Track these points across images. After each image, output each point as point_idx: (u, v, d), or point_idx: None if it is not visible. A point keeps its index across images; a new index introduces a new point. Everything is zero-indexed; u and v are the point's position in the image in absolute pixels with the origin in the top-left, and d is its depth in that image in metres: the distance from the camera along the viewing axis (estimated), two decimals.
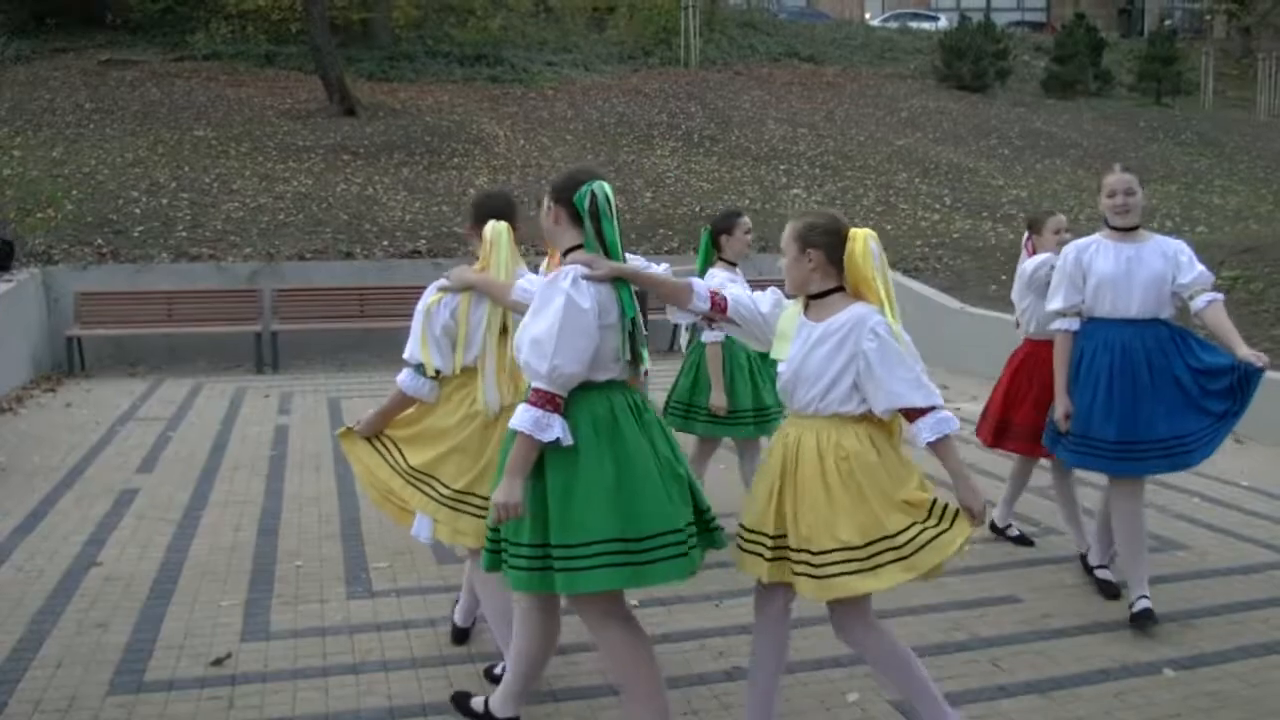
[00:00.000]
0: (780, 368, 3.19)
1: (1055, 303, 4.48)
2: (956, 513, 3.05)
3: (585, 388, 3.04)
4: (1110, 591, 4.71)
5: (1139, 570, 4.35)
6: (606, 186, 3.11)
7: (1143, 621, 4.26)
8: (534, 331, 2.98)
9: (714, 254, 5.44)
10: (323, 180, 14.87)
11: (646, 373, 3.23)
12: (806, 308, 3.20)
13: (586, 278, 3.01)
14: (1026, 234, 5.45)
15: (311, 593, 4.82)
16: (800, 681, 3.90)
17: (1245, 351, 4.11)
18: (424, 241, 12.78)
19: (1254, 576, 4.99)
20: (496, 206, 3.88)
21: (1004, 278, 12.42)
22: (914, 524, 3.02)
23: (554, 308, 2.96)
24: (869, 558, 2.99)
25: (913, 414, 3.05)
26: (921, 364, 3.09)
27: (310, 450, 7.52)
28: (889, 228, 14.69)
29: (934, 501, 3.06)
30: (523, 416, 2.96)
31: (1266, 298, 9.77)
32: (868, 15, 39.88)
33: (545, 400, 2.96)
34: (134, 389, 9.94)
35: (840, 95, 23.36)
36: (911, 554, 2.99)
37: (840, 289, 3.16)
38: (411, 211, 13.87)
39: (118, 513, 6.02)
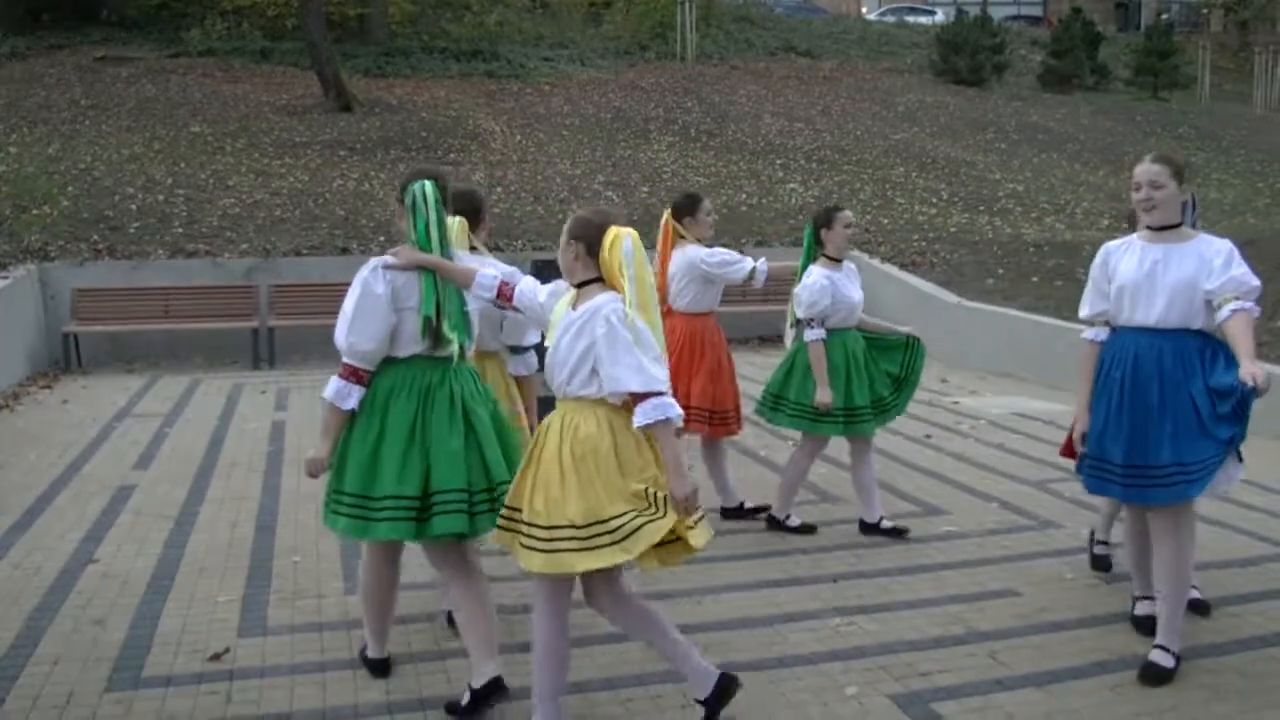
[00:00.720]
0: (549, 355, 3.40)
1: (1082, 310, 4.13)
2: (668, 500, 3.18)
3: (388, 362, 3.56)
4: (1102, 564, 4.94)
5: (1143, 573, 4.20)
6: (428, 186, 3.59)
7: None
8: (343, 311, 3.52)
9: (817, 250, 5.38)
10: (319, 176, 14.86)
11: (462, 353, 3.63)
12: (577, 298, 3.36)
13: (387, 266, 3.53)
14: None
15: (309, 588, 4.83)
16: (797, 676, 3.90)
17: (1245, 369, 3.57)
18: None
19: (1250, 569, 5.00)
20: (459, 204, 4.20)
21: (1001, 271, 12.42)
22: (629, 511, 3.14)
23: (353, 292, 3.52)
24: (589, 538, 3.14)
25: (637, 399, 3.16)
26: (656, 352, 3.20)
27: (307, 446, 7.51)
28: (886, 221, 14.69)
29: (647, 490, 3.17)
30: (328, 387, 3.53)
31: (1265, 292, 9.75)
32: (864, 9, 39.85)
33: (349, 373, 3.53)
34: (131, 385, 9.93)
35: (837, 89, 23.35)
36: (623, 538, 3.13)
37: (599, 280, 3.32)
38: None
39: (114, 509, 6.01)
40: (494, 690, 3.49)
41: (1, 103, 17.24)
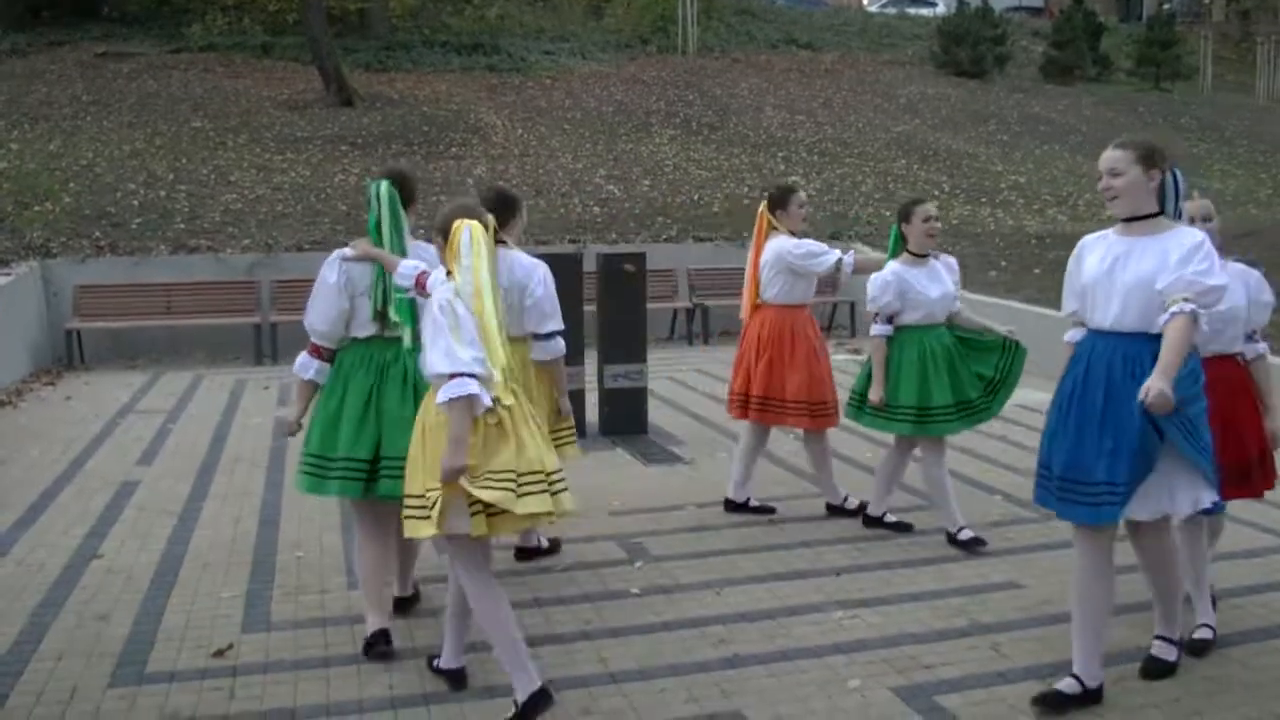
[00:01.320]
0: None
1: (1063, 311, 3.89)
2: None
3: (353, 341, 4.03)
4: None
5: (1087, 645, 3.64)
6: (384, 185, 4.06)
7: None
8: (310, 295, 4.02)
9: (901, 245, 5.24)
10: (320, 171, 14.86)
11: (415, 335, 3.83)
12: None
13: (344, 257, 3.99)
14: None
15: (312, 583, 4.83)
16: (800, 669, 3.90)
17: (1148, 383, 3.20)
18: (421, 232, 12.73)
19: (1254, 560, 5.00)
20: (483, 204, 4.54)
21: (1004, 264, 12.41)
22: (436, 488, 3.33)
23: (317, 279, 4.01)
24: (420, 508, 3.39)
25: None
26: (472, 336, 3.32)
27: None
28: (888, 214, 14.66)
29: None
30: (296, 360, 4.07)
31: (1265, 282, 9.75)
32: (865, 1, 39.77)
33: (312, 349, 4.07)
34: (133, 381, 9.94)
35: (838, 82, 23.29)
36: (431, 506, 3.34)
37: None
38: None
39: (118, 505, 6.02)
40: (377, 641, 3.94)
41: (2, 99, 17.22)
